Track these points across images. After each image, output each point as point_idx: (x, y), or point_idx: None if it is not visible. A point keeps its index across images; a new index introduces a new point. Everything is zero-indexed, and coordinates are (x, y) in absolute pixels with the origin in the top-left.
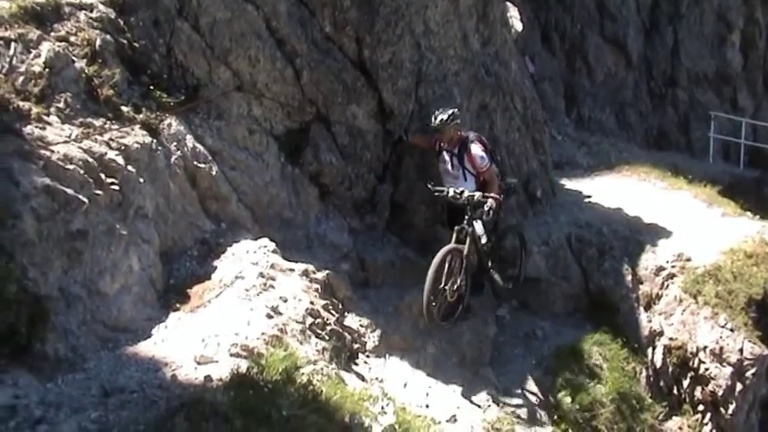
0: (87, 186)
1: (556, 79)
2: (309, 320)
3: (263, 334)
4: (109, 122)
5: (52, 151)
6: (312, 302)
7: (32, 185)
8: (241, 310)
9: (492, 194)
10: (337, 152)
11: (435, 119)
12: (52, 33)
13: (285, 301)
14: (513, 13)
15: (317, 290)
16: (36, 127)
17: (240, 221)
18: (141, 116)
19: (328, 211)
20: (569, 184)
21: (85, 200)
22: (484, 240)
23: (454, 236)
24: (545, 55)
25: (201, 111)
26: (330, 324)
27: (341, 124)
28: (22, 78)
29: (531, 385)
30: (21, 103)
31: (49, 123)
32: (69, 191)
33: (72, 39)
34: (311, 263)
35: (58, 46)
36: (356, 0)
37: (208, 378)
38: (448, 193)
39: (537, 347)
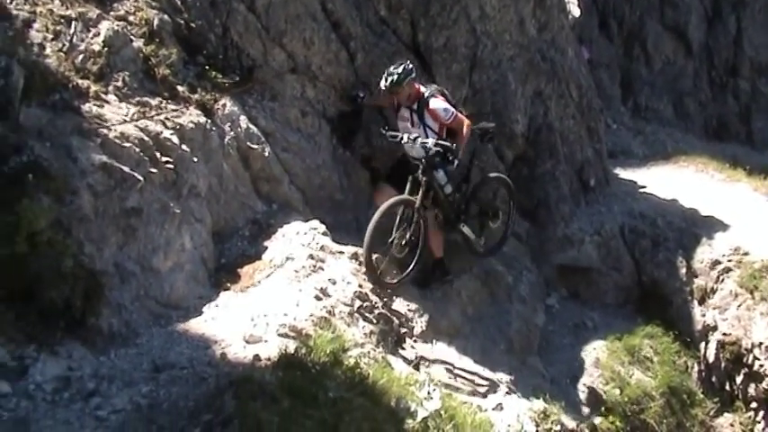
0: (143, 164)
1: (612, 67)
2: (357, 303)
3: (311, 315)
4: (165, 102)
5: (109, 129)
6: (361, 285)
7: (90, 162)
8: (290, 291)
9: (456, 141)
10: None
11: (387, 79)
12: (111, 13)
13: (334, 283)
14: None
15: (365, 273)
16: (94, 105)
17: (291, 203)
18: (196, 96)
19: None
20: (623, 173)
21: (141, 178)
22: (449, 190)
23: (408, 186)
24: (602, 42)
25: (255, 92)
26: (378, 308)
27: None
28: (81, 57)
29: (579, 376)
30: (80, 81)
31: (107, 101)
32: (125, 168)
33: (130, 18)
34: (361, 246)
35: (117, 25)
36: None
37: (256, 357)
38: (402, 138)
39: (586, 338)
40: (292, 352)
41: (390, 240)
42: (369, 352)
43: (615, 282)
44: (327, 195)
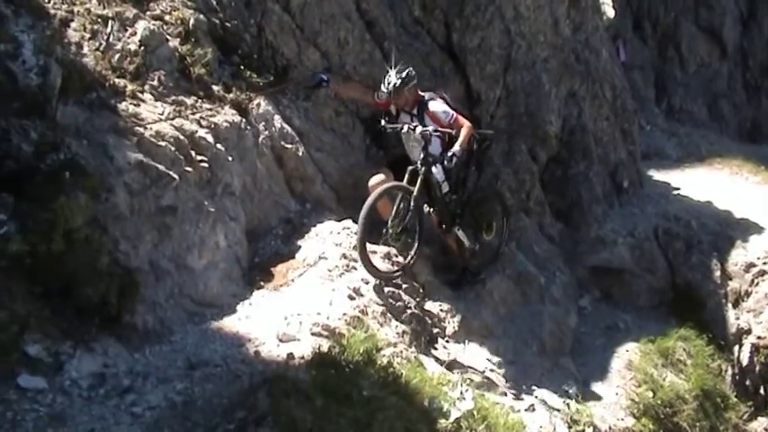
0: (178, 163)
1: (646, 68)
2: (390, 303)
3: (344, 315)
4: (200, 101)
5: (145, 128)
6: (394, 285)
7: (126, 161)
8: (323, 291)
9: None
10: None
11: (389, 83)
12: (148, 12)
13: (367, 283)
14: None
15: (399, 273)
16: (131, 104)
17: (324, 202)
18: (231, 95)
19: None
20: (657, 175)
21: (176, 176)
22: (446, 189)
23: (406, 177)
24: (636, 42)
25: (290, 91)
26: (411, 308)
27: None
28: (118, 56)
29: (611, 378)
30: (116, 80)
31: (143, 100)
32: (161, 167)
33: (166, 17)
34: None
35: (153, 24)
36: None
37: (290, 356)
38: (402, 128)
39: (619, 340)
40: (326, 351)
41: (386, 228)
42: (401, 352)
43: (648, 284)
44: (360, 195)
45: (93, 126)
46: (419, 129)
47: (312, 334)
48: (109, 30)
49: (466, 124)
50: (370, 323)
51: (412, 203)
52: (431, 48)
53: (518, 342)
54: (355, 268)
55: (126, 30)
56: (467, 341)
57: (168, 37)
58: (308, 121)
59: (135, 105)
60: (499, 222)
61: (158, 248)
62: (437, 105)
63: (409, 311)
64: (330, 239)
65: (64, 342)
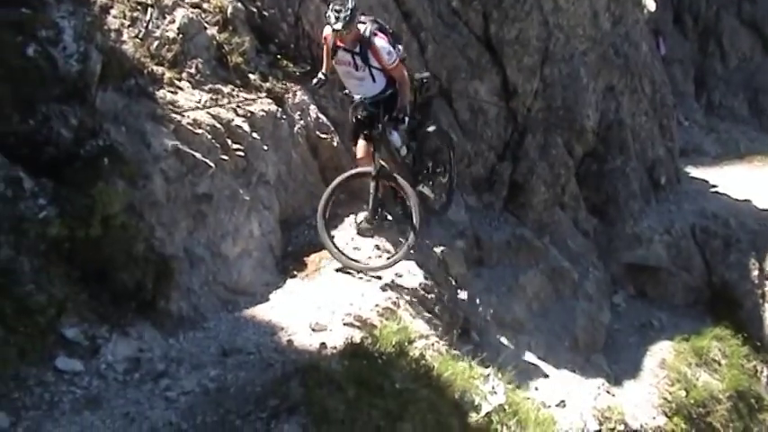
0: (214, 151)
1: (686, 62)
2: (422, 295)
3: (376, 306)
4: (237, 89)
5: (183, 115)
6: (426, 278)
7: (163, 148)
8: (356, 281)
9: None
10: (458, 128)
11: (339, 18)
12: (187, 0)
13: (400, 275)
14: None
15: (431, 265)
16: (168, 91)
17: (358, 193)
18: (268, 84)
19: None
20: (695, 172)
21: (212, 164)
22: (404, 152)
23: (360, 148)
24: (676, 36)
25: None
26: (443, 300)
27: (463, 100)
28: (156, 43)
29: (644, 376)
30: (155, 68)
31: (181, 88)
32: (197, 155)
33: (205, 6)
34: (427, 238)
35: (192, 12)
36: None
37: (323, 345)
38: (357, 102)
39: (653, 338)
40: (358, 342)
41: (358, 221)
42: (433, 344)
43: (684, 282)
44: None
45: (132, 113)
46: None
47: (344, 324)
48: (148, 17)
49: (404, 74)
50: (403, 315)
51: (374, 184)
52: (468, 39)
53: (550, 337)
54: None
55: (165, 17)
56: (499, 335)
57: (206, 25)
58: (343, 112)
59: (172, 93)
60: (446, 159)
61: (193, 236)
62: (382, 42)
63: (442, 304)
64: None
65: (100, 326)
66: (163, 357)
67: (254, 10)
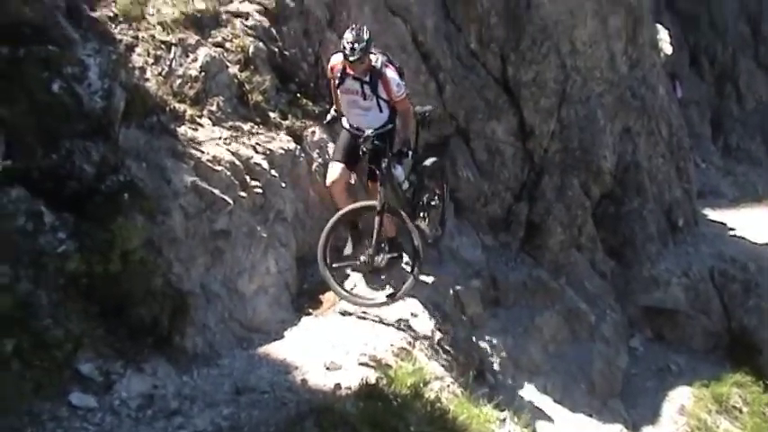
0: (233, 188)
1: (703, 105)
2: (438, 335)
3: (391, 345)
4: (256, 127)
5: (203, 152)
6: (442, 317)
7: (183, 184)
8: (370, 320)
9: (405, 127)
10: (475, 168)
11: (355, 49)
12: (209, 39)
13: (415, 314)
14: (663, 36)
15: (446, 305)
16: (189, 128)
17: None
18: (287, 122)
19: (462, 227)
20: (712, 214)
21: (230, 201)
22: (405, 186)
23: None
24: (693, 79)
25: None
26: (458, 341)
27: (480, 140)
28: (179, 81)
29: (662, 422)
30: (177, 105)
31: (201, 125)
32: (216, 191)
33: (227, 45)
34: (443, 277)
35: (215, 51)
36: (503, 17)
37: (337, 386)
38: (366, 136)
39: (671, 383)
40: (373, 382)
41: (362, 259)
42: (449, 386)
43: (703, 326)
44: None
45: (153, 149)
46: (369, 132)
47: (359, 364)
48: (171, 55)
49: (410, 108)
50: (418, 355)
51: (378, 218)
52: (485, 80)
53: (567, 380)
54: (403, 299)
55: (188, 56)
56: (514, 376)
57: (228, 64)
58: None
59: (193, 129)
60: (440, 190)
61: (210, 272)
62: (392, 73)
63: (457, 344)
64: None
65: (115, 361)
66: (176, 394)
67: (275, 49)
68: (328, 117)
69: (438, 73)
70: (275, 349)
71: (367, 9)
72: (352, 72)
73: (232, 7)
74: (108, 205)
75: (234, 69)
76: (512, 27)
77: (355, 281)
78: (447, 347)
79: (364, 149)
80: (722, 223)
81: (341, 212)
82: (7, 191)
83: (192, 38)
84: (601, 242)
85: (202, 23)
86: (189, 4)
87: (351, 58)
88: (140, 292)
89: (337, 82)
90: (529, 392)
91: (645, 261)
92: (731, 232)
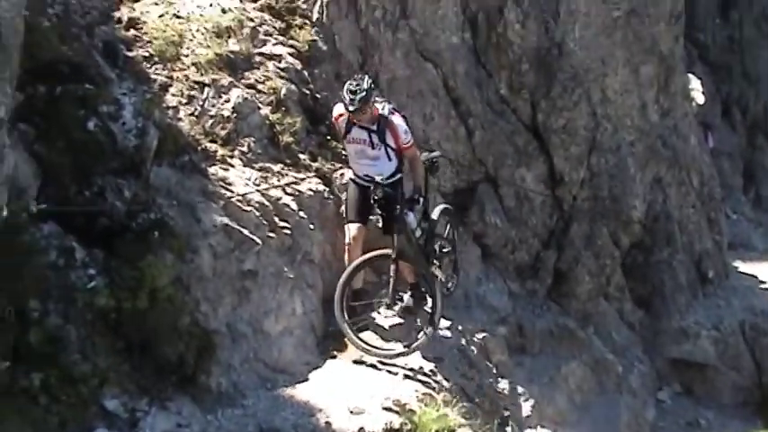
0: (261, 228)
1: (735, 155)
2: (462, 382)
3: (416, 391)
4: (286, 168)
5: (232, 192)
6: (467, 364)
7: (212, 223)
8: (395, 364)
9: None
10: (503, 214)
11: (354, 99)
12: (242, 80)
13: (439, 359)
14: (695, 85)
15: (471, 351)
16: (220, 168)
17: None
18: (316, 164)
19: (489, 273)
20: (743, 266)
21: (259, 241)
22: (418, 234)
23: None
24: (725, 129)
25: None
26: (483, 388)
27: (509, 186)
28: (211, 121)
29: None
30: (208, 144)
31: (232, 165)
32: (245, 231)
33: (259, 86)
34: (468, 323)
35: (247, 93)
36: (534, 64)
37: (361, 430)
38: (377, 182)
39: None
40: (397, 427)
41: (374, 308)
42: None
43: (733, 381)
44: None
45: (184, 188)
46: (377, 178)
47: (383, 408)
48: (204, 96)
49: (418, 154)
50: (442, 401)
51: (393, 266)
52: (515, 126)
53: None
54: (421, 348)
55: (220, 96)
56: (539, 427)
57: (260, 105)
58: None
59: (224, 170)
60: (453, 237)
61: (237, 311)
62: (399, 120)
63: (481, 391)
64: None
65: (141, 398)
66: None
67: (307, 92)
68: None
69: (468, 118)
70: (300, 391)
71: (399, 53)
72: (357, 121)
73: (265, 49)
74: (138, 243)
75: (265, 111)
76: (543, 74)
77: (372, 331)
78: (471, 394)
79: (375, 197)
80: (753, 276)
81: (355, 263)
82: (40, 226)
83: (226, 79)
84: (629, 292)
85: (236, 65)
86: (223, 45)
87: (350, 108)
88: (167, 329)
89: (343, 132)
90: None
91: (674, 312)
92: (762, 285)
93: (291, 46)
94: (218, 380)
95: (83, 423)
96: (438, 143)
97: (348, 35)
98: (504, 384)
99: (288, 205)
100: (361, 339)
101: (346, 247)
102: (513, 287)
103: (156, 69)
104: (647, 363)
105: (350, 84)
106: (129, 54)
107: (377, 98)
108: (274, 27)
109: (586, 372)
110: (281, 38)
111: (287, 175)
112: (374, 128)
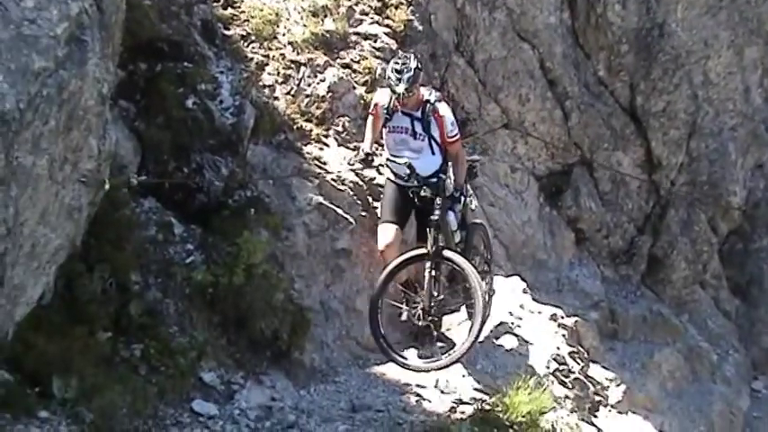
0: (355, 208)
1: None
2: (554, 366)
3: (507, 373)
4: (380, 149)
5: (327, 171)
6: (558, 348)
7: (307, 202)
8: (487, 346)
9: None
10: (598, 198)
11: (401, 78)
12: (338, 60)
13: (531, 343)
14: None
15: (563, 335)
16: (315, 147)
17: (494, 257)
18: None
19: (582, 258)
20: None
21: (352, 220)
22: (458, 238)
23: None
24: None
25: (467, 145)
26: (574, 372)
27: (604, 170)
28: (306, 100)
29: None
30: (304, 124)
31: (327, 145)
32: (339, 210)
33: (355, 66)
34: (560, 307)
35: (342, 72)
36: (634, 46)
37: (452, 409)
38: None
39: None
40: (488, 408)
41: (409, 311)
42: (563, 417)
43: None
44: (530, 253)
45: (279, 166)
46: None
47: (474, 389)
48: (300, 75)
49: (462, 151)
50: (533, 384)
51: (432, 265)
52: (613, 109)
53: (684, 420)
54: (520, 326)
55: (316, 76)
56: (630, 413)
57: (355, 84)
58: (482, 175)
59: (319, 149)
60: (487, 257)
61: (330, 289)
62: (447, 110)
63: (573, 376)
64: (497, 296)
65: (236, 372)
66: (294, 408)
67: None
68: (360, 160)
69: (564, 100)
70: (390, 369)
71: (495, 34)
72: (402, 105)
73: (361, 29)
74: (234, 219)
75: (360, 90)
76: (643, 55)
77: (411, 343)
78: (562, 378)
79: (419, 194)
80: None
81: (388, 269)
82: (140, 202)
83: (321, 58)
84: (726, 280)
85: (331, 44)
86: (319, 24)
87: (397, 89)
88: (262, 305)
89: (383, 119)
90: (645, 430)
91: None
92: None
93: (387, 25)
94: (312, 356)
95: (181, 393)
96: (533, 125)
97: (444, 15)
98: (595, 369)
99: (381, 185)
100: (400, 356)
101: (382, 255)
102: (606, 272)
103: (253, 48)
104: (743, 352)
105: (395, 63)
106: (227, 33)
107: (423, 83)
108: (370, 6)
109: (679, 359)
110: (376, 17)
111: (380, 155)
112: (418, 115)
